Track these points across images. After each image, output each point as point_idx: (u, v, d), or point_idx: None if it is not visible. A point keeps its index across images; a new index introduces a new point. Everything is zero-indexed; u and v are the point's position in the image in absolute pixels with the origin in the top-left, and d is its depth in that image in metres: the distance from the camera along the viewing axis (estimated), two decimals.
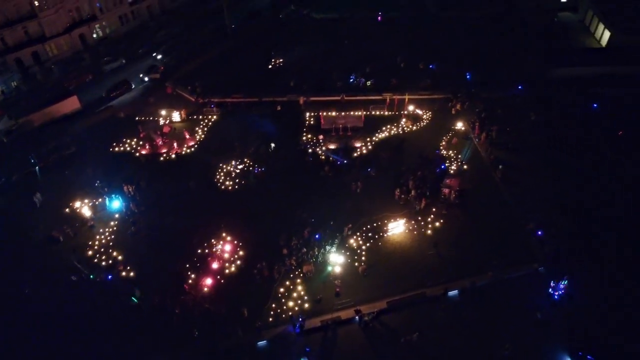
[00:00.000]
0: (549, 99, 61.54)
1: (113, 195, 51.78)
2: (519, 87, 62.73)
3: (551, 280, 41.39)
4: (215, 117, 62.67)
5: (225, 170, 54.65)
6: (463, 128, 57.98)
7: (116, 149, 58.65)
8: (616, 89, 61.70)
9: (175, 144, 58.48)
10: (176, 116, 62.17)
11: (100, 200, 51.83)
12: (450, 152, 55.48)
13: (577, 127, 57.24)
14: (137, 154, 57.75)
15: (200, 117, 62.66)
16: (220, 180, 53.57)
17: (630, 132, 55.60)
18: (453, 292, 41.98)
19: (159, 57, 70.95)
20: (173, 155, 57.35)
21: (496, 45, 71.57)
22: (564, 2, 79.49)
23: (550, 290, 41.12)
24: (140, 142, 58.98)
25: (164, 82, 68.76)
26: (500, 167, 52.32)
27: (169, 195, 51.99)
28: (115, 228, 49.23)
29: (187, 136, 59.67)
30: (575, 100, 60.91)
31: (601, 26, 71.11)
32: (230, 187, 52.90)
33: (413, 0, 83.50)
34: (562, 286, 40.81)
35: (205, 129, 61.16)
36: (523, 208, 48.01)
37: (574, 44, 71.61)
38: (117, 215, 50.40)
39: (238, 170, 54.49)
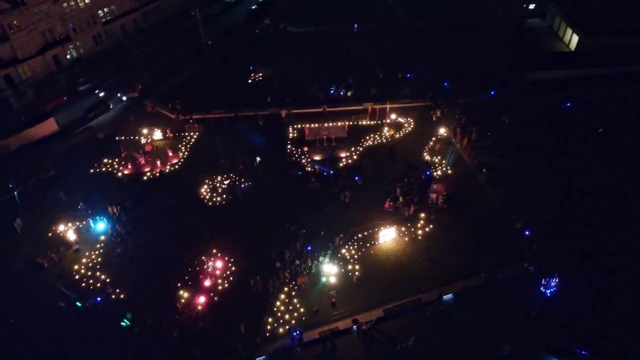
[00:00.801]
0: (523, 101, 63.15)
1: (97, 217, 50.70)
2: (492, 92, 64.19)
3: (542, 278, 42.23)
4: (197, 133, 62.18)
5: (211, 186, 54.19)
6: (445, 134, 58.93)
7: (97, 169, 57.54)
8: (587, 90, 63.91)
9: (158, 162, 57.75)
10: (158, 134, 61.46)
11: (84, 222, 50.65)
12: (434, 158, 56.29)
13: (553, 127, 58.86)
14: (120, 174, 56.78)
15: (182, 134, 62.07)
16: (207, 197, 53.09)
17: (606, 130, 57.61)
18: (448, 296, 42.41)
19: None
20: (157, 174, 56.57)
21: (469, 52, 73.22)
22: (532, 9, 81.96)
23: (542, 288, 41.93)
24: (122, 162, 58.02)
25: (143, 100, 67.99)
26: (484, 170, 53.37)
27: (155, 214, 51.25)
28: (101, 250, 48.12)
29: (170, 154, 59.02)
30: (549, 102, 62.73)
31: (569, 31, 73.64)
32: (217, 203, 52.46)
33: (386, 11, 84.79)
34: (553, 283, 41.65)
35: (188, 146, 60.61)
36: (509, 209, 48.96)
37: (545, 48, 73.79)
38: (102, 237, 49.30)
39: (225, 186, 54.08)
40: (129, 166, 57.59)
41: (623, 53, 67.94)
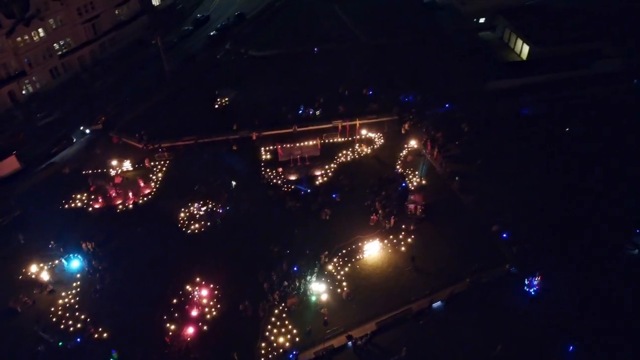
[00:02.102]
0: (484, 110, 65.63)
1: (71, 255, 48.80)
2: (447, 105, 66.34)
3: (524, 277, 43.60)
4: (168, 162, 61.19)
5: (188, 214, 53.30)
6: (415, 146, 60.40)
7: (66, 206, 55.53)
8: (543, 95, 67.30)
9: (130, 194, 56.37)
10: (127, 165, 60.15)
11: (57, 262, 48.63)
12: (407, 170, 57.49)
13: (516, 132, 61.50)
14: (91, 209, 55.03)
15: (152, 163, 60.91)
16: (185, 225, 52.14)
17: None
18: (437, 304, 43.07)
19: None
20: (130, 206, 55.17)
21: (429, 66, 75.52)
22: (482, 23, 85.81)
23: (525, 287, 43.25)
24: (92, 196, 56.26)
25: (107, 132, 66.42)
26: (457, 178, 54.97)
27: (133, 246, 49.92)
28: (78, 289, 46.27)
29: (142, 184, 57.75)
30: (509, 109, 65.56)
31: (519, 41, 77.47)
32: (196, 231, 51.60)
33: (345, 31, 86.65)
34: (535, 282, 43.04)
35: (160, 174, 59.50)
36: (485, 213, 50.49)
37: (499, 59, 77.27)
38: (78, 275, 47.44)
39: (202, 213, 53.31)
40: (100, 200, 55.90)
41: (571, 59, 71.94)
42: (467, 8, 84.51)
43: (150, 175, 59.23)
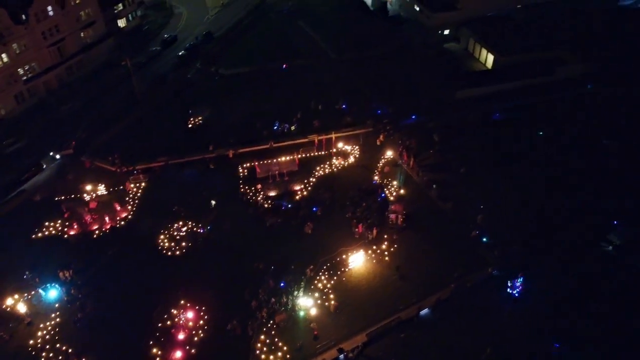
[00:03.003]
0: (455, 119, 67.31)
1: (48, 285, 47.24)
2: (413, 117, 67.63)
3: (507, 280, 44.61)
4: (143, 184, 60.19)
5: (168, 235, 52.46)
6: (391, 156, 61.29)
7: (40, 234, 53.82)
8: (508, 103, 69.68)
9: (107, 218, 55.15)
10: (102, 189, 58.89)
11: (33, 292, 46.96)
12: (385, 180, 58.24)
13: (487, 138, 63.29)
14: (66, 236, 53.51)
15: (132, 185, 59.75)
16: (166, 247, 51.29)
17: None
18: (425, 311, 43.55)
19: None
20: (107, 230, 53.95)
21: (399, 78, 77.05)
22: (447, 35, 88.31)
23: (508, 289, 44.24)
24: (67, 223, 54.73)
25: (79, 156, 64.92)
26: (434, 186, 56.05)
27: (113, 271, 48.81)
28: (58, 320, 44.76)
29: (118, 208, 56.60)
30: (480, 116, 67.52)
31: (484, 51, 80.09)
32: (177, 252, 50.81)
33: (314, 47, 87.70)
34: (518, 284, 44.07)
35: (136, 197, 58.45)
36: (464, 219, 51.60)
37: (465, 69, 79.60)
38: (57, 305, 45.92)
39: (183, 234, 52.57)
40: (75, 226, 54.45)
41: (533, 66, 74.80)
42: (432, 21, 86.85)
43: (127, 198, 58.10)
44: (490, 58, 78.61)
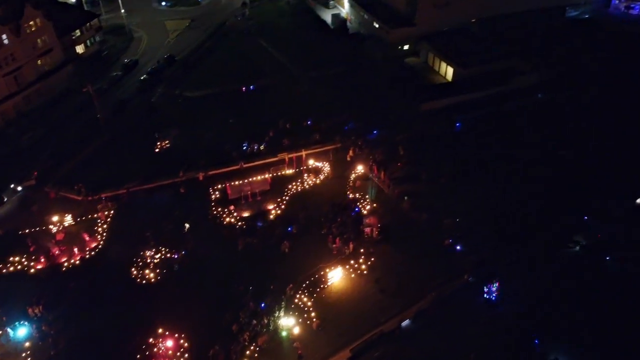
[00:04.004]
0: (420, 131, 68.94)
1: (17, 323, 45.30)
2: (374, 132, 68.81)
3: (483, 286, 45.68)
4: (112, 211, 58.78)
5: (141, 263, 51.26)
6: (362, 170, 62.08)
7: (4, 270, 51.62)
8: (469, 113, 72.01)
9: (75, 249, 53.49)
10: (69, 219, 57.18)
11: (1, 332, 44.90)
12: (357, 194, 58.88)
13: (453, 147, 65.15)
14: (33, 270, 51.52)
15: (96, 215, 58.27)
16: (139, 275, 50.09)
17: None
18: (406, 322, 44.00)
19: None
20: (77, 262, 52.29)
21: (362, 94, 78.41)
22: (407, 50, 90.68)
23: (485, 295, 45.30)
24: (33, 257, 52.74)
25: (42, 187, 62.86)
26: (406, 198, 57.06)
27: (84, 304, 47.23)
28: (29, 358, 42.85)
29: (87, 238, 55.04)
30: (443, 127, 69.45)
31: (444, 64, 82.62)
32: (152, 280, 49.69)
33: (278, 67, 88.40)
34: (494, 288, 45.21)
35: (105, 225, 56.98)
36: (437, 228, 52.66)
37: (426, 82, 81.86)
38: (27, 344, 44.01)
39: (157, 260, 51.49)
40: (42, 259, 52.53)
41: (491, 77, 77.64)
42: (391, 37, 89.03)
43: (95, 228, 56.56)
44: (450, 70, 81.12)
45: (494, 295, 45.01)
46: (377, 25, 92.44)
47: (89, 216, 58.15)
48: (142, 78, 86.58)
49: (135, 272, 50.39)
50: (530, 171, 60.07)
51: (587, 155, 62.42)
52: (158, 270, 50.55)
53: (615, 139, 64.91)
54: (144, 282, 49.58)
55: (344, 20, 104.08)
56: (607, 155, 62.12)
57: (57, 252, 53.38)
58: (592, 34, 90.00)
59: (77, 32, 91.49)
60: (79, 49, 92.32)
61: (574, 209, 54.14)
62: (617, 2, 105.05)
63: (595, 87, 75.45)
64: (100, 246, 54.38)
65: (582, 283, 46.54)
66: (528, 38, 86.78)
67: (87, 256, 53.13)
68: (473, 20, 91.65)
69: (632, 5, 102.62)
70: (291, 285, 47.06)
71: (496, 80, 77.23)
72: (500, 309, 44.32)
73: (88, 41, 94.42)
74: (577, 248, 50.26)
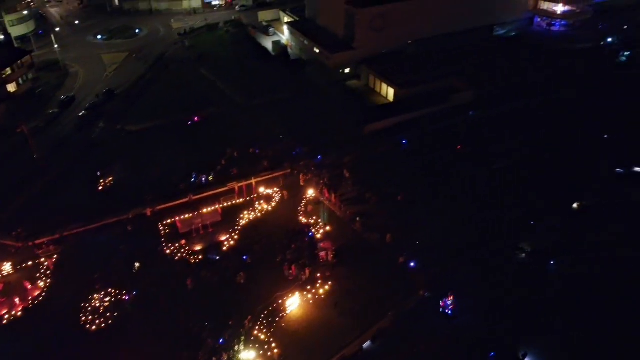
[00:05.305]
0: (365, 153, 70.49)
1: None
2: (319, 157, 69.74)
3: (439, 299, 46.75)
4: (56, 256, 56.02)
5: (90, 308, 48.93)
6: (313, 194, 62.50)
7: None
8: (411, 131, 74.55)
9: (17, 300, 50.43)
10: (7, 268, 53.96)
11: None
12: (310, 219, 59.12)
13: (398, 166, 66.99)
14: None
15: (38, 261, 55.33)
16: (89, 321, 47.75)
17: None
18: (367, 344, 44.19)
19: None
20: (19, 313, 49.26)
21: (307, 118, 79.43)
22: (347, 73, 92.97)
23: (441, 309, 46.33)
24: None
25: None
26: (358, 219, 57.86)
27: (32, 358, 44.41)
28: None
29: (29, 286, 52.07)
30: (388, 145, 71.41)
31: (384, 85, 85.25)
32: (103, 325, 47.48)
33: (221, 97, 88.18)
34: (449, 302, 46.31)
35: (48, 271, 54.15)
36: (390, 246, 53.60)
37: (369, 103, 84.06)
38: None
39: (107, 304, 49.34)
40: None
41: (430, 96, 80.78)
42: (332, 61, 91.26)
43: (38, 275, 53.63)
44: (391, 91, 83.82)
45: (449, 308, 46.05)
46: (317, 51, 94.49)
47: (30, 263, 55.12)
48: (80, 114, 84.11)
49: (84, 318, 47.96)
50: (475, 184, 62.64)
51: (524, 164, 65.93)
52: (109, 314, 48.39)
53: (550, 148, 69.00)
54: (94, 328, 47.21)
55: (284, 47, 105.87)
56: (543, 163, 65.93)
57: None
58: (518, 50, 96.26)
59: (8, 71, 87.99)
60: (11, 87, 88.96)
61: (518, 217, 56.73)
62: (539, 19, 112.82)
63: (528, 99, 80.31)
64: (44, 294, 51.54)
65: (532, 288, 48.52)
66: (462, 57, 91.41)
67: (30, 306, 50.17)
68: (409, 42, 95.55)
69: (553, 23, 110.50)
70: (250, 317, 46.26)
71: (435, 98, 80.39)
72: (456, 321, 45.33)
73: (20, 79, 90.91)
74: (523, 255, 52.45)
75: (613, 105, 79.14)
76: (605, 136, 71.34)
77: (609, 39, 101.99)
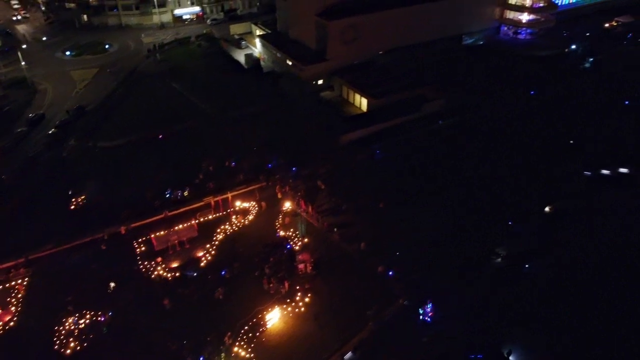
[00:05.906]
0: (341, 163, 70.89)
1: None
2: (293, 169, 69.82)
3: (418, 308, 47.06)
4: (27, 279, 54.45)
5: (64, 331, 47.65)
6: (290, 207, 62.39)
7: None
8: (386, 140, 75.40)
9: None
10: None
11: None
12: (288, 232, 58.97)
13: (373, 175, 67.60)
14: None
15: (8, 285, 53.68)
16: (63, 345, 46.46)
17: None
18: (348, 355, 44.12)
19: None
20: None
21: (281, 130, 79.54)
22: (321, 85, 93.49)
23: (421, 317, 46.63)
24: None
25: None
26: (336, 229, 57.98)
27: None
28: None
29: (0, 311, 50.46)
30: (363, 156, 71.98)
31: (357, 96, 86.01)
32: (78, 348, 46.25)
33: (194, 111, 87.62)
34: (428, 309, 46.67)
35: (20, 295, 52.57)
36: (368, 256, 53.79)
37: (343, 114, 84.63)
38: None
39: (82, 326, 48.11)
40: None
41: (403, 105, 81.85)
42: (305, 73, 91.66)
43: (8, 299, 52.00)
44: (364, 101, 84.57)
45: (429, 316, 46.39)
46: (290, 63, 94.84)
47: (0, 287, 53.45)
48: (50, 132, 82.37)
49: (58, 342, 46.65)
50: (450, 191, 63.58)
51: (497, 171, 67.31)
52: (84, 336, 47.18)
53: (523, 154, 70.65)
54: (68, 352, 45.94)
55: (257, 60, 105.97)
56: (515, 169, 67.41)
57: None
58: (487, 58, 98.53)
59: None
60: None
61: (493, 222, 57.79)
62: (505, 28, 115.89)
63: (499, 106, 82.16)
64: (15, 318, 49.97)
65: (506, 295, 49.26)
66: (432, 65, 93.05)
67: (1, 332, 48.56)
68: (381, 53, 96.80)
69: (519, 31, 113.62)
70: (229, 333, 45.71)
71: (408, 107, 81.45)
72: (436, 328, 45.66)
73: None
74: (499, 260, 53.28)
75: (579, 109, 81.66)
76: (572, 141, 73.34)
77: (573, 46, 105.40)
